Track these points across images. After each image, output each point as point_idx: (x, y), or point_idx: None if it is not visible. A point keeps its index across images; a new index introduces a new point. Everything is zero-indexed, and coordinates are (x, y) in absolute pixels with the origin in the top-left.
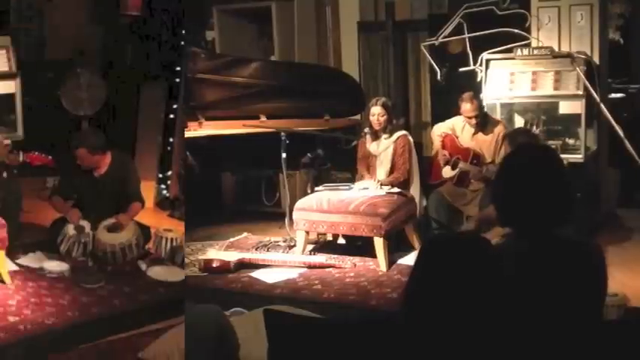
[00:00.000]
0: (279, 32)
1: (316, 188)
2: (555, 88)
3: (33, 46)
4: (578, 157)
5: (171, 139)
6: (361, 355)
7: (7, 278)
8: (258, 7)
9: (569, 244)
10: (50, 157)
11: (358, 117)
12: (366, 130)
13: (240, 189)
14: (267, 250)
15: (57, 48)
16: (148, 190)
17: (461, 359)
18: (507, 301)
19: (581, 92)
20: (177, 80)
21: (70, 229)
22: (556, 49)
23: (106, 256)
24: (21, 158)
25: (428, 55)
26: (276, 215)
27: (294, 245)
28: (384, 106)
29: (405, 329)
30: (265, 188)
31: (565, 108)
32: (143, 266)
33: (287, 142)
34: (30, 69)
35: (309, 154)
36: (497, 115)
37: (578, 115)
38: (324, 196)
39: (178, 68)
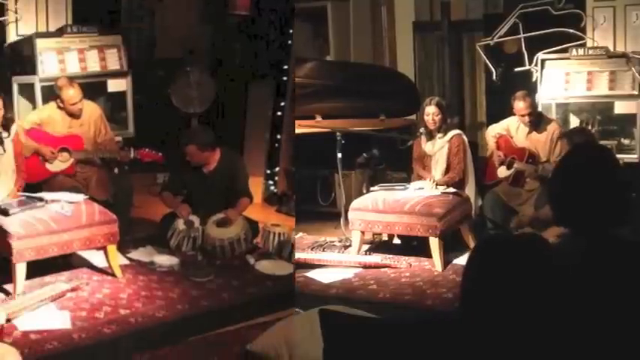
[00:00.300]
0: (335, 32)
1: (372, 188)
2: (610, 88)
3: (143, 45)
4: (633, 157)
5: (278, 136)
6: (416, 355)
7: (118, 272)
8: (313, 7)
9: (625, 244)
10: (160, 154)
11: (413, 117)
12: (421, 129)
13: (295, 189)
14: (323, 250)
15: (167, 47)
16: (256, 185)
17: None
18: (565, 301)
19: (636, 92)
20: (285, 79)
21: (180, 224)
22: (611, 49)
23: (214, 250)
24: (132, 155)
25: (483, 55)
26: (331, 215)
27: (350, 245)
28: (438, 105)
29: (460, 329)
30: (321, 188)
31: (620, 108)
32: (251, 260)
33: (342, 142)
34: (140, 68)
35: (364, 154)
36: (553, 115)
37: (634, 115)
38: (379, 196)
39: (286, 67)
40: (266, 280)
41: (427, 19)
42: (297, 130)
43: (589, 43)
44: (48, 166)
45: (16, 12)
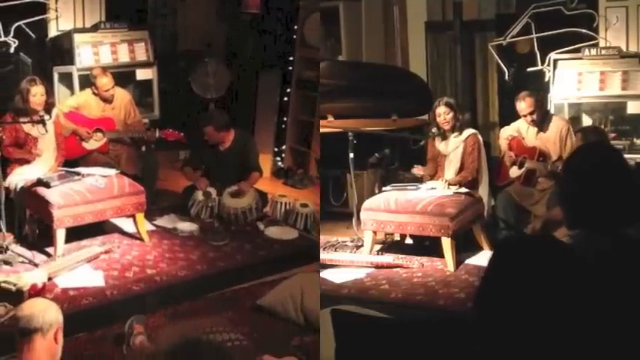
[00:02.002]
0: (347, 32)
1: (384, 188)
2: (623, 88)
3: (167, 39)
4: None
5: (285, 119)
6: (428, 354)
7: (145, 237)
8: (325, 7)
9: (636, 243)
10: (182, 134)
11: (426, 117)
12: (434, 130)
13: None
14: (335, 250)
15: (187, 41)
16: (265, 161)
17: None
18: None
19: None
20: (290, 68)
21: (199, 195)
22: (624, 49)
23: (229, 218)
24: (157, 135)
25: (495, 55)
26: (343, 215)
27: (362, 245)
28: (447, 105)
29: (476, 329)
30: (333, 188)
31: (633, 108)
32: (261, 226)
33: (354, 141)
34: (165, 59)
35: (376, 154)
36: (565, 115)
37: None
38: (391, 196)
39: (291, 58)
40: (274, 244)
41: (439, 18)
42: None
43: (601, 43)
44: (84, 144)
45: (56, 10)
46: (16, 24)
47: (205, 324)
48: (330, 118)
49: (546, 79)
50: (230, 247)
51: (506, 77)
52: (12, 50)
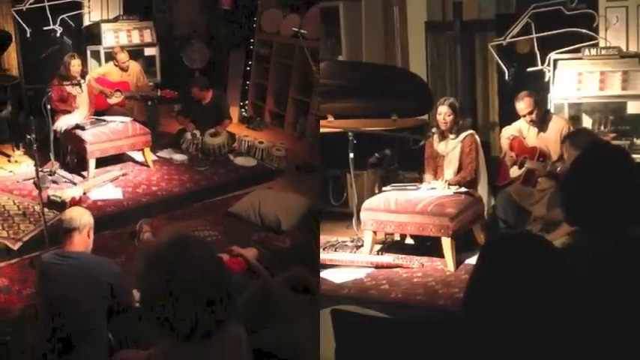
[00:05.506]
0: (347, 32)
1: (384, 188)
2: (623, 88)
3: (166, 27)
4: None
5: (247, 82)
6: (428, 354)
7: (151, 164)
8: (325, 7)
9: (639, 243)
10: (176, 93)
11: (426, 117)
12: (434, 130)
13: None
14: (335, 250)
15: (180, 28)
16: (234, 112)
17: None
18: (575, 300)
19: None
20: (252, 47)
21: (188, 135)
22: (624, 49)
23: (209, 151)
24: (159, 93)
25: (495, 55)
26: (343, 215)
27: (362, 245)
28: (450, 106)
29: (467, 329)
30: (333, 188)
31: (633, 108)
32: (231, 157)
33: (354, 141)
34: (164, 41)
35: (376, 154)
36: (565, 115)
37: None
38: (391, 196)
39: (252, 40)
40: (240, 169)
41: (439, 19)
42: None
43: (601, 43)
44: (108, 100)
45: (89, 7)
46: (61, 16)
47: (192, 225)
48: (330, 118)
49: (546, 79)
50: (209, 172)
51: (507, 77)
52: (58, 35)
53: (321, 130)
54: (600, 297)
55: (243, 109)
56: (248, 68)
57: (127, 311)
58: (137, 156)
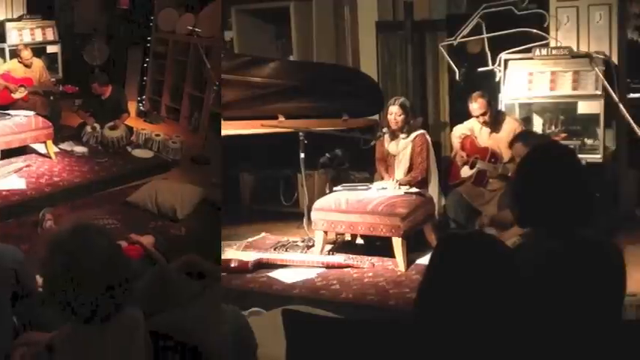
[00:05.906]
0: (298, 32)
1: (334, 188)
2: (574, 88)
3: (68, 26)
4: (596, 157)
5: (145, 78)
6: (379, 354)
7: (53, 156)
8: (276, 7)
9: (588, 243)
10: (77, 88)
11: (376, 117)
12: (384, 129)
13: (258, 189)
14: (286, 250)
15: (81, 26)
16: (132, 106)
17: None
18: (524, 300)
19: (599, 92)
20: (149, 45)
21: (89, 129)
22: (575, 49)
23: (109, 144)
24: (60, 89)
25: (446, 55)
26: (294, 215)
27: (313, 245)
28: (401, 106)
29: (416, 329)
30: (283, 188)
31: (584, 108)
32: (129, 149)
33: (305, 142)
34: (66, 38)
35: (327, 154)
36: (516, 115)
37: (597, 115)
38: (342, 196)
39: (149, 38)
40: (137, 161)
41: (390, 18)
42: (261, 130)
43: (552, 43)
44: (12, 95)
45: None
46: None
47: (93, 213)
48: (281, 118)
49: (497, 79)
50: (109, 163)
51: (457, 77)
52: None
53: (272, 130)
54: (550, 296)
55: (140, 104)
56: (145, 65)
57: (30, 296)
58: (40, 148)
